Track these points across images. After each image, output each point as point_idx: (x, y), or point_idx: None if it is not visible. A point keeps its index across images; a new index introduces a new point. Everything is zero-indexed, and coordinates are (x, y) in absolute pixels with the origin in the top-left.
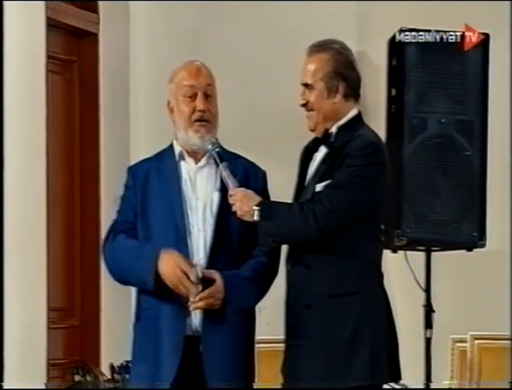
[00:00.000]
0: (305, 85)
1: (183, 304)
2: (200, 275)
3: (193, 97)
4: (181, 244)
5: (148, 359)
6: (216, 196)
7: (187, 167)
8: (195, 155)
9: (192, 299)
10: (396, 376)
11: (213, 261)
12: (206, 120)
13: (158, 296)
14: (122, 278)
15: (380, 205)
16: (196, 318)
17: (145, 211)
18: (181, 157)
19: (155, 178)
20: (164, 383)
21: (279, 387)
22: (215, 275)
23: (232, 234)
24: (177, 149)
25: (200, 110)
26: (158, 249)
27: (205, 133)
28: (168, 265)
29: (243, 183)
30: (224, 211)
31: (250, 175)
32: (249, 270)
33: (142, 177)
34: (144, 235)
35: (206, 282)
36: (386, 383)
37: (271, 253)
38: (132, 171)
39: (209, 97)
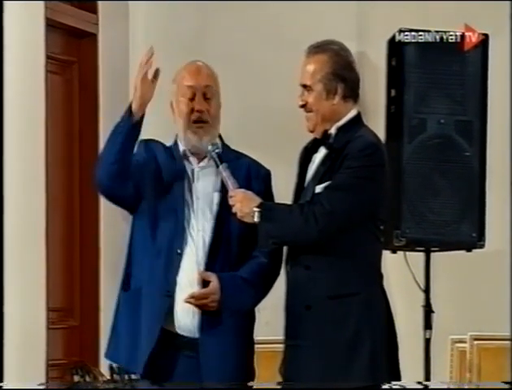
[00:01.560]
0: (304, 86)
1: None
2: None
3: (192, 97)
4: (178, 234)
5: (130, 325)
6: (216, 196)
7: (189, 167)
8: (198, 155)
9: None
10: (395, 377)
11: (212, 261)
12: (204, 121)
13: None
14: (108, 156)
15: (380, 206)
16: (194, 320)
17: (148, 188)
18: (185, 156)
19: (163, 166)
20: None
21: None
22: (211, 276)
23: (231, 235)
24: (181, 148)
25: (198, 111)
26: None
27: (203, 135)
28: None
29: (245, 182)
30: (224, 212)
31: (253, 175)
32: (247, 272)
33: (153, 152)
34: (147, 213)
35: (203, 284)
36: (386, 383)
37: (272, 253)
38: (145, 144)
39: (208, 97)
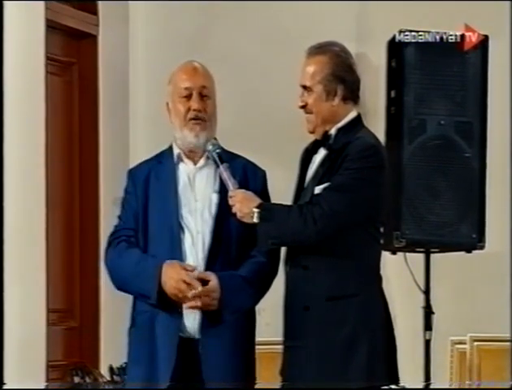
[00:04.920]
0: (304, 87)
1: (177, 307)
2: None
3: (189, 97)
4: (176, 248)
5: (143, 363)
6: (215, 197)
7: (186, 169)
8: (193, 156)
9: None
10: (394, 379)
11: (211, 262)
12: (201, 119)
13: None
14: (124, 289)
15: (379, 208)
16: (195, 320)
17: (145, 215)
18: (179, 159)
19: (154, 181)
20: (160, 386)
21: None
22: (211, 276)
23: (230, 235)
24: (176, 151)
25: (195, 110)
26: (160, 263)
27: (199, 131)
28: (171, 278)
29: (242, 183)
30: (223, 213)
31: (249, 176)
32: (246, 271)
33: (142, 181)
34: (143, 239)
35: (202, 283)
36: (384, 385)
37: (270, 253)
38: (132, 174)
39: (205, 97)
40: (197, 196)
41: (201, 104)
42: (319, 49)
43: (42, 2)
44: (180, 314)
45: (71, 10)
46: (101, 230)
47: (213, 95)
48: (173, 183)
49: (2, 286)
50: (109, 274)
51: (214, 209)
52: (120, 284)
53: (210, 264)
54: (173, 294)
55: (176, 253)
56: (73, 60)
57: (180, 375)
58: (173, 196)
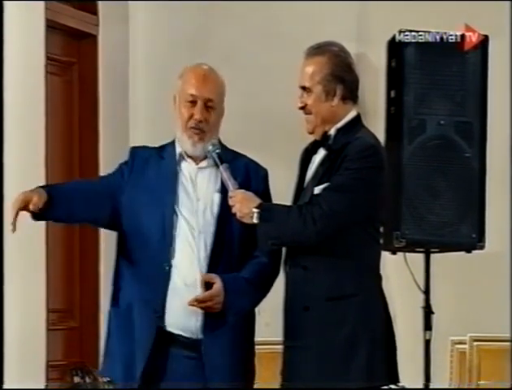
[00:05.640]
0: (303, 88)
1: (154, 300)
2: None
3: (194, 103)
4: (165, 247)
5: (123, 343)
6: (217, 197)
7: (188, 168)
8: (195, 156)
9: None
10: (393, 379)
11: (214, 262)
12: (201, 129)
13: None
14: None
15: (378, 208)
16: (197, 321)
17: (133, 199)
18: (182, 157)
19: (153, 171)
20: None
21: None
22: (215, 278)
23: (232, 235)
24: (178, 149)
25: (196, 119)
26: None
27: (197, 142)
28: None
29: (244, 182)
30: (225, 213)
31: (251, 175)
32: (249, 272)
33: (141, 162)
34: (132, 226)
35: (206, 286)
36: (384, 385)
37: (272, 253)
38: (134, 152)
39: (209, 108)
40: (199, 196)
41: (204, 114)
42: (318, 50)
43: (42, 2)
44: (158, 320)
45: (71, 10)
46: (101, 230)
47: (219, 105)
48: (172, 181)
49: (2, 286)
50: None
51: (216, 209)
52: None
53: (213, 264)
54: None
55: (163, 253)
56: (73, 60)
57: (186, 375)
58: (171, 195)
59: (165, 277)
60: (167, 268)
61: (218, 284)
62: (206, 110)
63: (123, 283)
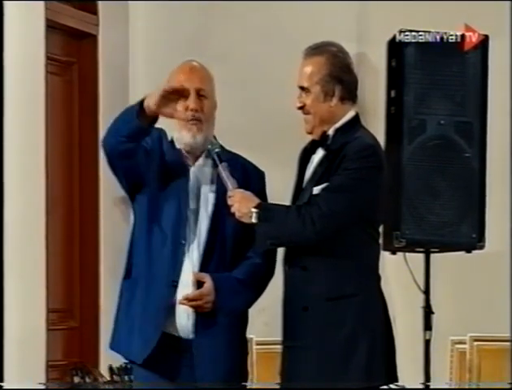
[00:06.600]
0: (302, 88)
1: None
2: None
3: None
4: (184, 231)
5: (129, 323)
6: (211, 197)
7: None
8: (192, 155)
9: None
10: (393, 379)
11: (206, 261)
12: (198, 119)
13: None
14: (112, 130)
15: (377, 208)
16: (188, 320)
17: (153, 176)
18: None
19: (164, 160)
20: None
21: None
22: (205, 277)
23: (226, 235)
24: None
25: (191, 109)
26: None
27: (197, 132)
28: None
29: (241, 182)
30: (219, 212)
31: (249, 176)
32: (241, 272)
33: (156, 139)
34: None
35: (197, 284)
36: (383, 385)
37: (266, 254)
38: (157, 132)
39: (202, 97)
40: (194, 194)
41: (198, 103)
42: (316, 50)
43: (42, 2)
44: (174, 290)
45: (71, 10)
46: (101, 230)
47: (211, 95)
48: (180, 168)
49: (2, 286)
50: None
51: (210, 208)
52: (109, 130)
53: (205, 263)
54: (157, 98)
55: (182, 219)
56: (73, 60)
57: (177, 375)
58: (181, 177)
59: (181, 249)
60: (183, 241)
61: (208, 283)
62: (199, 99)
63: (137, 259)
